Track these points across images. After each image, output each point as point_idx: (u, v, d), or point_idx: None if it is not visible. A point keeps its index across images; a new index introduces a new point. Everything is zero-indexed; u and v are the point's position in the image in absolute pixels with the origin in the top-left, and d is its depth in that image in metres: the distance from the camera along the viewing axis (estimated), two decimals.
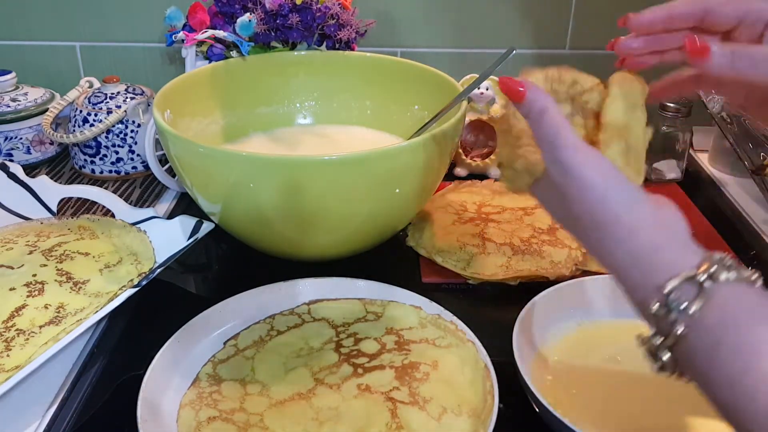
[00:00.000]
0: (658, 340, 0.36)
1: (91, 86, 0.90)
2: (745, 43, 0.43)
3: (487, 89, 0.84)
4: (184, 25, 0.82)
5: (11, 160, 0.86)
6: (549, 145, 0.39)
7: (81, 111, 0.84)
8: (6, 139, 0.87)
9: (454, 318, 0.57)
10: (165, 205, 0.80)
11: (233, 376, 0.54)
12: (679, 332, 0.34)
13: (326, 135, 0.81)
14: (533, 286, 0.61)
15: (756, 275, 0.35)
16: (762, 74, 0.39)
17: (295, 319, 0.59)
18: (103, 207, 0.74)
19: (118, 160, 0.84)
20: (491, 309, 0.64)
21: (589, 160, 0.38)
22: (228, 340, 0.57)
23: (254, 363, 0.55)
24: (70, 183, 0.81)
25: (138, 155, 0.85)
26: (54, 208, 0.74)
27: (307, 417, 0.50)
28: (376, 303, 0.61)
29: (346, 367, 0.54)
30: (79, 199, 0.77)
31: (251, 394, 0.52)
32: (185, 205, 0.79)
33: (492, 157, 0.86)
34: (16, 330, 0.55)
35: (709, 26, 0.43)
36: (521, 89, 0.40)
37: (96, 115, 0.83)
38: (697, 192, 0.83)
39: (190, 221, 0.67)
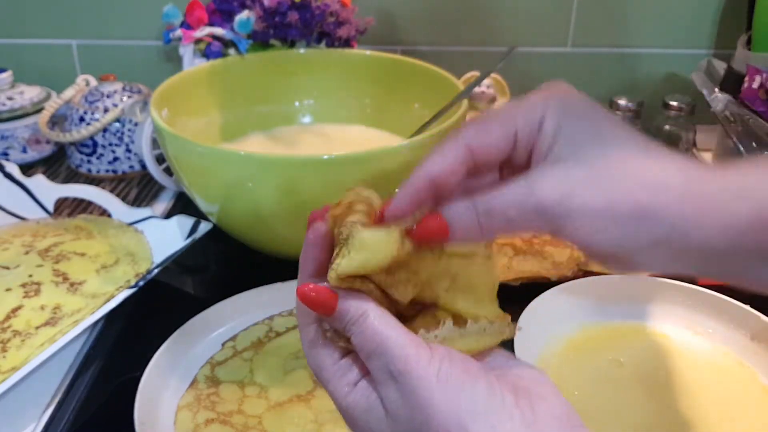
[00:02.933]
0: None
1: (87, 84, 0.89)
2: (522, 163, 0.34)
3: (488, 87, 0.83)
4: (182, 23, 0.81)
5: (7, 159, 0.86)
6: (377, 357, 0.31)
7: (77, 110, 0.84)
8: (2, 138, 0.86)
9: None
10: (162, 204, 0.79)
11: (231, 378, 0.53)
12: None
13: (325, 134, 0.81)
14: (535, 286, 0.60)
15: None
16: (522, 230, 0.32)
17: (294, 320, 0.59)
18: (100, 207, 0.73)
19: (115, 159, 0.84)
20: None
21: (433, 371, 0.30)
22: (226, 341, 0.57)
23: (253, 365, 0.54)
24: (67, 182, 0.81)
25: (135, 154, 0.84)
26: (50, 208, 0.74)
27: (306, 419, 0.49)
28: None
29: None
30: (75, 198, 0.76)
31: (249, 396, 0.51)
32: (183, 204, 0.79)
33: None
34: (12, 331, 0.55)
35: (485, 164, 0.35)
36: (330, 295, 0.31)
37: (92, 113, 0.82)
38: None
39: (187, 221, 0.66)
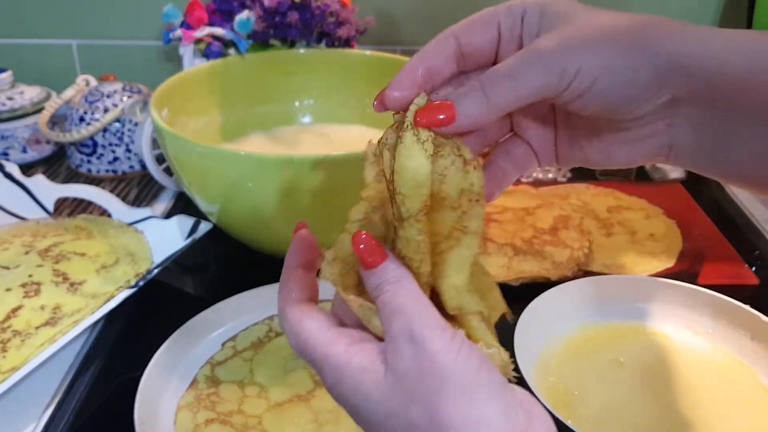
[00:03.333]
0: None
1: (87, 84, 0.89)
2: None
3: None
4: (182, 23, 0.81)
5: (7, 159, 0.86)
6: (402, 316, 0.30)
7: (77, 110, 0.84)
8: (2, 138, 0.86)
9: None
10: (162, 204, 0.79)
11: (231, 378, 0.53)
12: None
13: (325, 134, 0.81)
14: (535, 286, 0.60)
15: None
16: (530, 89, 0.31)
17: None
18: (100, 207, 0.73)
19: (115, 159, 0.84)
20: None
21: (454, 346, 0.29)
22: (226, 341, 0.57)
23: (253, 365, 0.54)
24: (67, 182, 0.81)
25: (135, 154, 0.84)
26: (50, 208, 0.74)
27: (306, 419, 0.49)
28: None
29: None
30: (75, 198, 0.76)
31: (249, 396, 0.51)
32: (183, 204, 0.79)
33: None
34: (12, 331, 0.55)
35: (474, 62, 0.35)
36: (382, 251, 0.32)
37: (92, 113, 0.82)
38: (700, 191, 0.82)
39: (187, 221, 0.66)
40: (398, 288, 0.31)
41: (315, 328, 0.33)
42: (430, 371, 0.29)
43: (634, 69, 0.31)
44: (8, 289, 0.59)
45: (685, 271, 0.66)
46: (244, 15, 0.78)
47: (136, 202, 0.79)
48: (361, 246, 0.32)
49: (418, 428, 0.29)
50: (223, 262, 0.72)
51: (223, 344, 0.57)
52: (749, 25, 0.90)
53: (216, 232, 0.66)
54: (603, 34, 0.31)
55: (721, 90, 0.31)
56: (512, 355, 0.49)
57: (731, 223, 0.76)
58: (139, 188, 0.83)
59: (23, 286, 0.59)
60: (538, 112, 0.37)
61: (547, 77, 0.31)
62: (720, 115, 0.32)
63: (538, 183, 0.82)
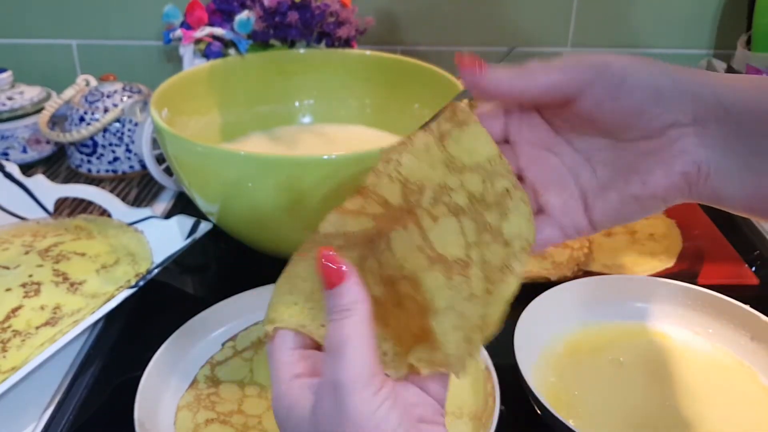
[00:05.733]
0: None
1: (87, 84, 0.89)
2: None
3: None
4: (182, 23, 0.81)
5: (7, 159, 0.86)
6: (333, 358, 0.31)
7: (77, 110, 0.84)
8: (2, 138, 0.86)
9: None
10: (162, 204, 0.79)
11: (231, 378, 0.53)
12: None
13: (325, 134, 0.81)
14: (535, 286, 0.60)
15: None
16: (567, 78, 0.35)
17: None
18: (100, 207, 0.73)
19: (115, 159, 0.84)
20: None
21: (376, 402, 0.30)
22: (226, 341, 0.57)
23: (253, 365, 0.55)
24: (67, 182, 0.81)
25: (135, 154, 0.84)
26: (50, 208, 0.74)
27: None
28: None
29: None
30: (75, 198, 0.76)
31: (249, 396, 0.52)
32: (183, 204, 0.79)
33: None
34: (13, 331, 0.55)
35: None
36: (343, 272, 0.32)
37: (92, 113, 0.82)
38: None
39: (187, 221, 0.66)
40: (344, 321, 0.31)
41: (285, 345, 0.34)
42: (344, 423, 0.30)
43: (655, 77, 0.33)
44: (8, 289, 0.59)
45: (685, 271, 0.66)
46: (244, 15, 0.78)
47: (136, 202, 0.80)
48: (328, 260, 0.33)
49: None
50: (223, 262, 0.72)
51: (223, 344, 0.57)
52: (749, 25, 0.90)
53: (216, 232, 0.66)
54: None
55: (737, 115, 0.33)
56: (512, 355, 0.50)
57: (731, 223, 0.76)
58: (139, 188, 0.83)
59: (23, 286, 0.59)
60: (561, 186, 0.38)
61: (582, 72, 0.34)
62: (745, 140, 0.33)
63: None
